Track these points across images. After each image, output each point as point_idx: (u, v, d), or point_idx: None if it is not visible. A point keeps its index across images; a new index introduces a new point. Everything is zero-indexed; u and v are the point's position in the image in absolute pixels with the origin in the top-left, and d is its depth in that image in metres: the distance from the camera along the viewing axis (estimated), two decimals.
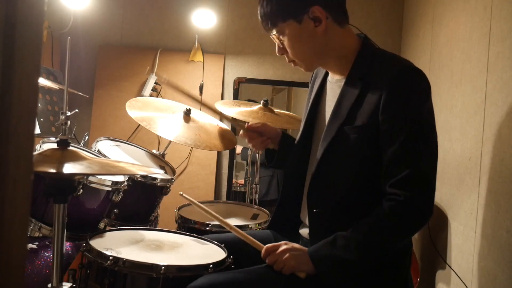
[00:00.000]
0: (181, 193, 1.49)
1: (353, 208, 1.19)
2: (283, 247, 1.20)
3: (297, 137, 1.46)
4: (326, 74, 1.39)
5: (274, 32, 1.27)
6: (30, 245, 1.64)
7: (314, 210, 1.27)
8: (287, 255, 1.18)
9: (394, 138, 1.14)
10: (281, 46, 1.30)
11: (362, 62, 1.25)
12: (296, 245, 1.23)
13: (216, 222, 1.82)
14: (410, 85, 1.17)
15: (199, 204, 1.46)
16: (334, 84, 1.33)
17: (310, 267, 1.16)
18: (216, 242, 1.43)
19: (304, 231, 1.35)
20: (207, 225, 1.75)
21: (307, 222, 1.31)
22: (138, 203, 1.91)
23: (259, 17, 1.30)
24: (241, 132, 1.55)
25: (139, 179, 1.83)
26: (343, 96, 1.25)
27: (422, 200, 1.14)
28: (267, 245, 1.23)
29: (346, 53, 1.28)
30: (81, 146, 1.97)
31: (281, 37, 1.27)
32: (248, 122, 1.58)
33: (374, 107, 1.17)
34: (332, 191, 1.25)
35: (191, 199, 1.48)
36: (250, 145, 1.56)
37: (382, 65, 1.21)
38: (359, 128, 1.19)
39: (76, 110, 1.84)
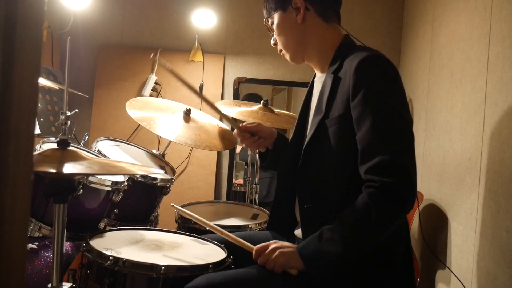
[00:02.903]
0: (173, 204, 1.50)
1: (344, 201, 1.18)
2: (272, 245, 1.21)
3: (291, 137, 1.48)
4: (316, 74, 1.44)
5: (267, 20, 1.40)
6: (30, 245, 1.64)
7: (305, 206, 1.27)
8: (276, 253, 1.18)
9: (362, 123, 1.15)
10: (273, 36, 1.41)
11: (337, 57, 1.29)
12: (285, 243, 1.23)
13: (216, 222, 1.82)
14: (372, 71, 1.19)
15: (189, 213, 1.45)
16: (318, 81, 1.39)
17: (300, 264, 1.17)
18: (216, 242, 1.43)
19: (299, 232, 1.35)
20: None
21: (299, 220, 1.32)
22: (138, 203, 1.91)
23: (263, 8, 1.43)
24: (234, 131, 1.58)
25: (139, 179, 1.83)
26: (322, 92, 1.29)
27: (399, 184, 1.11)
28: (256, 246, 1.23)
29: (327, 49, 1.33)
30: (81, 146, 1.97)
31: (272, 26, 1.39)
32: (244, 122, 1.59)
33: (346, 96, 1.20)
34: (319, 186, 1.26)
35: (181, 208, 1.50)
36: (243, 145, 1.58)
37: (351, 57, 1.24)
38: (337, 119, 1.21)
39: (76, 110, 1.84)
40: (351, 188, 1.20)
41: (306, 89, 1.52)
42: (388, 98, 1.17)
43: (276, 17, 1.37)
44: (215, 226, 1.37)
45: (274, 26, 1.38)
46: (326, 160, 1.24)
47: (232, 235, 1.31)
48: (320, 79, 1.36)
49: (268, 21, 1.40)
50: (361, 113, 1.15)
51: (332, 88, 1.24)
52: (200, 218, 1.42)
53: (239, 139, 1.58)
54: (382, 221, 1.13)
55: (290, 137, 1.52)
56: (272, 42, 1.43)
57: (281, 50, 1.41)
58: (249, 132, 1.55)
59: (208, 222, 1.40)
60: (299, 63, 1.42)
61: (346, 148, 1.20)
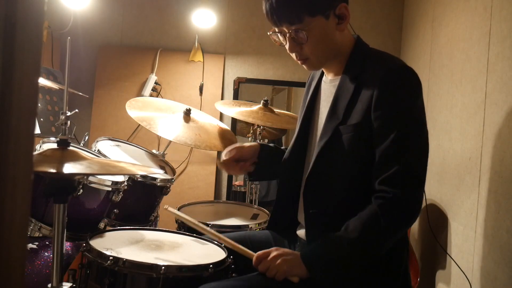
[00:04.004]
0: (166, 206, 1.45)
1: (350, 209, 1.18)
2: (274, 253, 1.19)
3: (293, 138, 1.46)
4: (321, 75, 1.40)
5: (294, 27, 1.19)
6: (30, 245, 1.64)
7: (311, 211, 1.26)
8: (279, 260, 1.16)
9: (385, 135, 1.15)
10: (301, 43, 1.22)
11: (355, 61, 1.26)
12: (287, 250, 1.22)
13: (216, 222, 1.83)
14: (401, 83, 1.18)
15: (185, 216, 1.43)
16: (329, 84, 1.34)
17: (303, 271, 1.16)
18: (216, 242, 1.42)
19: (301, 232, 1.34)
20: (207, 225, 1.74)
21: (304, 223, 1.31)
22: (138, 203, 1.91)
23: (272, 11, 1.20)
24: (219, 166, 1.52)
25: (139, 179, 1.83)
26: (338, 96, 1.25)
27: (411, 197, 1.13)
28: (257, 253, 1.21)
29: (344, 52, 1.29)
30: (81, 146, 1.97)
31: (303, 33, 1.19)
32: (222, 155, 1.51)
33: (367, 105, 1.18)
34: (328, 192, 1.25)
35: (176, 211, 1.46)
36: (233, 174, 1.51)
37: (374, 64, 1.22)
38: (353, 127, 1.20)
39: (76, 110, 1.84)
40: (359, 195, 1.20)
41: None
42: (412, 111, 1.17)
43: (314, 23, 1.19)
44: (216, 233, 1.33)
45: (310, 33, 1.19)
46: (337, 167, 1.24)
47: (232, 242, 1.29)
48: (332, 82, 1.32)
49: (292, 28, 1.20)
50: (385, 125, 1.15)
51: (353, 94, 1.21)
52: (198, 222, 1.38)
53: (225, 171, 1.51)
54: (390, 232, 1.14)
55: (292, 138, 1.50)
56: (292, 49, 1.24)
57: (306, 59, 1.26)
58: (233, 161, 1.47)
59: (206, 227, 1.36)
60: (318, 70, 1.36)
61: (359, 156, 1.20)
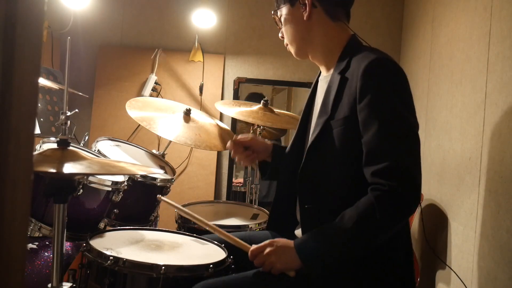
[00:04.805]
0: (159, 196, 1.47)
1: (345, 203, 1.17)
2: (268, 249, 1.19)
3: (293, 136, 1.48)
4: (320, 73, 1.43)
5: (277, 13, 1.39)
6: (30, 245, 1.64)
7: (306, 206, 1.26)
8: (272, 258, 1.17)
9: (368, 127, 1.15)
10: (281, 29, 1.39)
11: (344, 57, 1.28)
12: (281, 242, 1.20)
13: (216, 222, 1.82)
14: (380, 74, 1.18)
15: (180, 207, 1.43)
16: (323, 80, 1.37)
17: (298, 264, 1.16)
18: (216, 242, 1.42)
19: (299, 232, 1.34)
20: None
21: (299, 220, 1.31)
22: (138, 203, 1.91)
23: None
24: (228, 143, 1.54)
25: (139, 179, 1.83)
26: (328, 92, 1.28)
27: (407, 189, 1.12)
28: (251, 249, 1.21)
29: (333, 48, 1.32)
30: (81, 146, 1.97)
31: (280, 18, 1.38)
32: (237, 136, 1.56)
33: (353, 98, 1.19)
34: (322, 187, 1.25)
35: (170, 201, 1.45)
36: (236, 159, 1.54)
37: (359, 59, 1.22)
38: (342, 121, 1.21)
39: (76, 110, 1.84)
40: (352, 189, 1.20)
41: (306, 89, 1.52)
42: (394, 102, 1.16)
43: (284, 10, 1.36)
44: (211, 224, 1.34)
45: (282, 19, 1.37)
46: (329, 161, 1.24)
47: (228, 234, 1.30)
48: (325, 78, 1.35)
49: (276, 13, 1.39)
50: (367, 117, 1.15)
51: (338, 88, 1.23)
52: (196, 215, 1.39)
53: (232, 152, 1.54)
54: (386, 224, 1.13)
55: (292, 137, 1.51)
56: (279, 35, 1.41)
57: (287, 44, 1.40)
58: (243, 146, 1.52)
59: (203, 219, 1.38)
60: (303, 58, 1.41)
61: (350, 150, 1.20)
